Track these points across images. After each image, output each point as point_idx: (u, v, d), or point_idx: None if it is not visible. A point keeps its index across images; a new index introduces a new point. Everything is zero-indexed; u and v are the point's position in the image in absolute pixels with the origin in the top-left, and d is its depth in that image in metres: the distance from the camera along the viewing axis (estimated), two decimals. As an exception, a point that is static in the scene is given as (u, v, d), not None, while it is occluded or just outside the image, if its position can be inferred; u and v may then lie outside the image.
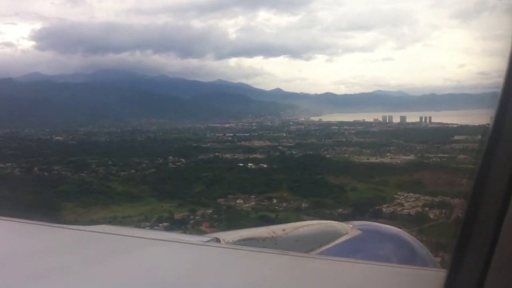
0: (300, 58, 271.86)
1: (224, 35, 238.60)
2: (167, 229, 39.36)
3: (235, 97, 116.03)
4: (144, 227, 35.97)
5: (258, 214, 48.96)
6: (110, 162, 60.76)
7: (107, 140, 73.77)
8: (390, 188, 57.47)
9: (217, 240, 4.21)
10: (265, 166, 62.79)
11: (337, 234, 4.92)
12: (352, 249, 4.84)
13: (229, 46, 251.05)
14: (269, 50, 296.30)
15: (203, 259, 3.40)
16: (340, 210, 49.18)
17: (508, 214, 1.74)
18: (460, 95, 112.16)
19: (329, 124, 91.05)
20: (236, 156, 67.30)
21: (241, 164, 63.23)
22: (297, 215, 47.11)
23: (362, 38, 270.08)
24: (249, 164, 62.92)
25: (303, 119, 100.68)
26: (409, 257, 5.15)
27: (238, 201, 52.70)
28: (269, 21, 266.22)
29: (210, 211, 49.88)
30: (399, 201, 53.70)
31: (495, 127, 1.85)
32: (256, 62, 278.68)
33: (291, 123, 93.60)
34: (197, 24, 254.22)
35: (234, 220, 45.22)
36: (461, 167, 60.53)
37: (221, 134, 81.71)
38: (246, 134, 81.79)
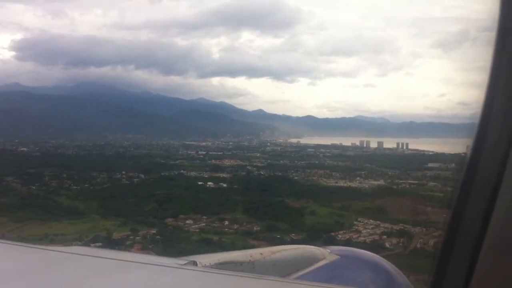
0: (283, 80, 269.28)
1: (207, 54, 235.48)
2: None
3: (215, 116, 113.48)
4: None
5: (200, 237, 45.31)
6: (65, 175, 57.19)
7: (73, 154, 70.39)
8: (351, 213, 54.30)
9: (194, 263, 3.78)
10: (225, 185, 59.28)
11: (314, 259, 4.66)
12: (330, 275, 4.60)
13: (212, 65, 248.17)
14: (252, 71, 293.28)
15: (180, 282, 3.21)
16: (292, 235, 45.68)
17: (487, 235, 1.74)
18: (439, 123, 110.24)
19: (305, 147, 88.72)
20: (201, 175, 63.85)
21: (200, 183, 59.65)
22: (244, 239, 43.89)
23: (344, 63, 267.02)
24: (209, 183, 59.42)
25: (281, 140, 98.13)
26: (387, 284, 4.91)
27: (187, 221, 48.82)
28: (252, 42, 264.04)
29: (153, 231, 46.07)
30: (357, 227, 50.35)
31: (474, 151, 1.86)
32: (240, 83, 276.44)
33: (268, 144, 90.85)
34: (180, 42, 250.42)
35: (174, 242, 41.61)
36: (428, 194, 58.48)
37: (194, 152, 78.68)
38: (219, 153, 78.71)
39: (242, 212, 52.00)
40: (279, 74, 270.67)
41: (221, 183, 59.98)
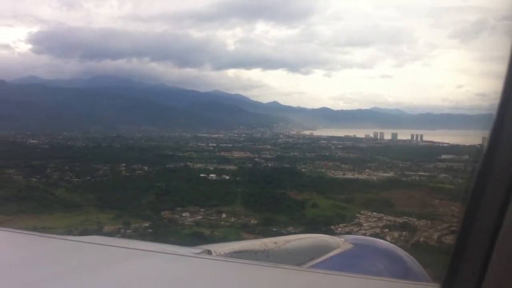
0: (298, 72, 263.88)
1: (222, 46, 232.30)
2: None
3: (230, 108, 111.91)
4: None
5: (192, 230, 43.49)
6: (67, 168, 55.92)
7: (82, 146, 69.22)
8: (355, 206, 52.24)
9: (209, 252, 3.78)
10: (227, 178, 57.42)
11: (328, 248, 4.63)
12: (344, 263, 4.50)
13: (227, 57, 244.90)
14: (267, 63, 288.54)
15: (194, 271, 3.19)
16: (290, 228, 43.51)
17: (502, 230, 1.72)
18: (457, 115, 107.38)
19: (318, 138, 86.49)
20: (207, 167, 62.06)
21: (203, 175, 57.86)
22: (238, 232, 41.96)
23: (360, 54, 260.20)
24: (211, 175, 57.60)
25: (294, 132, 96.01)
26: (401, 272, 4.75)
27: (184, 214, 46.95)
28: (267, 33, 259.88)
29: (146, 224, 44.32)
30: (359, 220, 48.19)
31: (491, 143, 1.83)
32: (255, 74, 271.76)
33: (281, 136, 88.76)
34: (195, 33, 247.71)
35: (163, 236, 39.74)
36: (438, 186, 56.74)
37: (204, 144, 77.09)
38: (229, 145, 77.09)
39: (241, 205, 50.13)
40: (294, 66, 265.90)
41: (224, 175, 58.15)
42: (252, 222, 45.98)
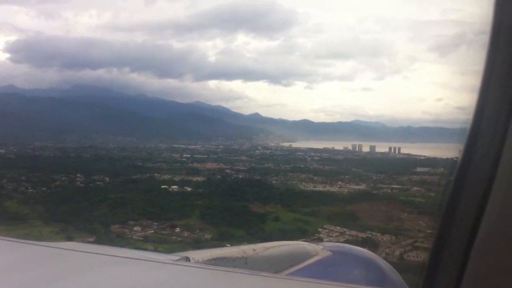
0: (280, 83, 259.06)
1: (203, 57, 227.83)
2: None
3: (211, 119, 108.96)
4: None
5: (134, 246, 40.25)
6: (23, 178, 52.70)
7: (50, 156, 66.00)
8: (318, 219, 49.66)
9: (187, 259, 3.72)
10: (189, 189, 54.33)
11: (307, 255, 4.56)
12: (322, 271, 4.45)
13: (208, 68, 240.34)
14: (248, 74, 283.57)
15: (172, 278, 3.13)
16: (245, 243, 40.50)
17: (477, 238, 1.74)
18: (436, 128, 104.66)
19: (296, 150, 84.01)
20: (174, 178, 59.06)
21: (164, 187, 54.75)
22: (185, 248, 38.92)
23: (341, 66, 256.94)
24: (173, 187, 54.54)
25: (273, 144, 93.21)
26: (379, 280, 4.74)
27: (135, 228, 43.70)
28: (248, 45, 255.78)
29: (90, 239, 41.10)
30: (319, 235, 45.42)
31: (465, 155, 1.87)
32: (236, 86, 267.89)
33: (259, 147, 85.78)
34: (176, 44, 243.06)
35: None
36: (409, 200, 55.21)
37: (178, 155, 74.16)
38: (203, 156, 73.76)
39: (198, 218, 46.95)
40: (276, 78, 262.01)
41: (187, 187, 55.05)
42: (206, 236, 42.80)
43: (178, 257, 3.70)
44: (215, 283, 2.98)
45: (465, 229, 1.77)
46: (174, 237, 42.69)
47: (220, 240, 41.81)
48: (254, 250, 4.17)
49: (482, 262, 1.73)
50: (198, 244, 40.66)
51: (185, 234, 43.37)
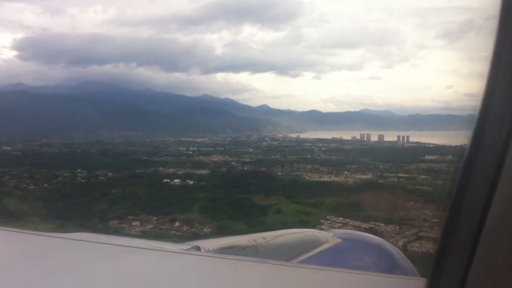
0: (287, 74, 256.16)
1: (210, 50, 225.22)
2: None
3: (219, 112, 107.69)
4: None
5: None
6: (26, 175, 52.03)
7: (56, 152, 65.37)
8: (321, 210, 48.55)
9: (198, 248, 3.75)
10: (191, 183, 53.30)
11: (317, 243, 4.58)
12: (333, 258, 4.46)
13: (215, 61, 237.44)
14: (255, 66, 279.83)
15: (183, 267, 3.13)
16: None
17: (487, 224, 1.72)
18: (446, 116, 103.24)
19: (304, 141, 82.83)
20: (178, 172, 58.14)
21: (166, 180, 53.77)
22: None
23: (348, 56, 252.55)
24: (175, 180, 53.54)
25: (280, 135, 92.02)
26: (390, 267, 4.68)
27: (134, 223, 42.63)
28: (254, 36, 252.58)
29: (89, 234, 40.40)
30: (322, 226, 43.76)
31: (474, 142, 1.84)
32: (244, 78, 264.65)
33: (266, 139, 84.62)
34: (182, 37, 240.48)
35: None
36: (416, 188, 53.87)
37: (184, 148, 73.31)
38: (210, 149, 72.75)
39: (198, 212, 45.97)
40: (283, 69, 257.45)
41: (189, 180, 54.04)
42: (205, 230, 41.73)
43: (188, 247, 3.67)
44: (226, 272, 2.98)
45: (474, 216, 1.71)
46: (173, 231, 41.55)
47: (219, 233, 40.81)
48: (264, 238, 4.17)
49: (491, 250, 1.69)
50: (197, 239, 39.69)
51: (184, 229, 42.22)
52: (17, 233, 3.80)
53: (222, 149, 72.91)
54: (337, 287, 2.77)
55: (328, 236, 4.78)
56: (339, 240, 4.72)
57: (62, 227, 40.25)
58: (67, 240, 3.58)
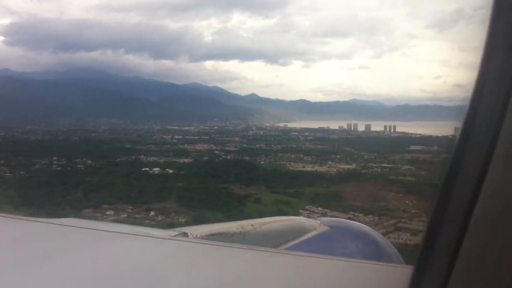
0: (277, 63, 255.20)
1: (199, 37, 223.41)
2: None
3: (207, 100, 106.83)
4: None
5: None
6: (2, 162, 50.76)
7: (38, 139, 64.09)
8: (301, 200, 47.82)
9: (185, 234, 3.70)
10: (170, 171, 52.19)
11: (305, 230, 4.53)
12: (320, 245, 4.42)
13: (204, 49, 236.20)
14: (245, 54, 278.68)
15: (171, 253, 3.10)
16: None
17: (474, 213, 1.68)
18: (434, 106, 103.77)
19: (290, 130, 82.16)
20: (159, 160, 57.07)
21: (144, 169, 52.64)
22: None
23: (338, 45, 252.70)
24: (154, 169, 52.43)
25: (268, 124, 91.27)
26: (376, 254, 4.67)
27: (108, 212, 41.52)
28: (244, 24, 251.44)
29: (58, 224, 39.22)
30: (301, 216, 43.18)
31: (463, 133, 1.78)
32: (233, 66, 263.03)
33: (253, 128, 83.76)
34: (171, 24, 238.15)
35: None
36: (398, 179, 53.06)
37: (169, 137, 72.22)
38: (195, 138, 71.91)
39: (175, 201, 44.91)
40: (272, 57, 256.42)
41: (168, 169, 52.92)
42: (180, 220, 40.62)
43: (176, 233, 3.66)
44: (214, 258, 2.95)
45: (462, 205, 1.68)
46: (147, 221, 40.44)
47: (195, 223, 39.80)
48: (252, 225, 4.16)
49: (479, 240, 1.65)
50: (171, 228, 38.74)
51: (159, 218, 41.10)
52: (5, 218, 3.68)
53: (207, 137, 71.93)
54: (323, 274, 2.75)
55: (315, 223, 4.73)
56: (326, 228, 4.69)
57: (34, 216, 39.11)
58: (55, 225, 3.49)
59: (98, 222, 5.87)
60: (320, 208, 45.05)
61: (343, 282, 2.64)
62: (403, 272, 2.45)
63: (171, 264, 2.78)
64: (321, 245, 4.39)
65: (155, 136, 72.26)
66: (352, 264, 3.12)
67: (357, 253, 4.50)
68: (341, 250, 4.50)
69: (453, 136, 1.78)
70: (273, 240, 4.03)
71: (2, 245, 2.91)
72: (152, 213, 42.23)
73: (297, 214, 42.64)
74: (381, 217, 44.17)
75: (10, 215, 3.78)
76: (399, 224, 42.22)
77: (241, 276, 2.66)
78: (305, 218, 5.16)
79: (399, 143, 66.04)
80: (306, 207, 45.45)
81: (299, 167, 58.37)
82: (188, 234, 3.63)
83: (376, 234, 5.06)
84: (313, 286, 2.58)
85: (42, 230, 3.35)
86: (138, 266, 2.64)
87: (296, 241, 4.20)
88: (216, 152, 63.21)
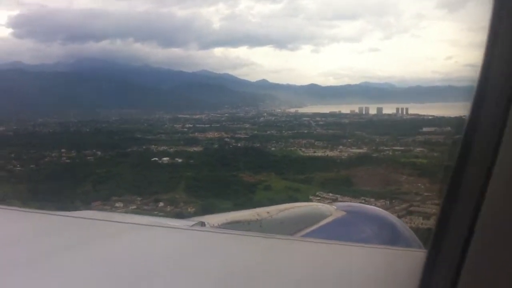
0: (286, 48, 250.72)
1: (207, 24, 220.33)
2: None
3: (217, 87, 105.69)
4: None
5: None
6: (13, 156, 50.47)
7: (49, 132, 63.83)
8: (312, 186, 47.15)
9: (202, 224, 3.73)
10: (180, 161, 51.53)
11: (321, 216, 4.59)
12: (337, 231, 4.46)
13: (213, 36, 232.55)
14: (254, 40, 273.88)
15: (189, 243, 3.12)
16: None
17: (488, 194, 1.66)
18: (446, 87, 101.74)
19: (301, 116, 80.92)
20: (169, 149, 56.51)
21: (154, 159, 52.06)
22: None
23: (347, 28, 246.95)
24: (164, 159, 51.84)
25: (279, 110, 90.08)
26: (393, 238, 4.70)
27: (117, 204, 41.04)
28: (251, 9, 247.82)
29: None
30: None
31: (472, 117, 1.79)
32: (242, 52, 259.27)
33: (264, 114, 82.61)
34: (179, 11, 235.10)
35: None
36: (411, 161, 52.00)
37: (180, 125, 71.65)
38: (206, 125, 71.19)
39: (184, 191, 44.39)
40: (281, 42, 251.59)
41: (177, 159, 52.27)
42: (189, 210, 40.13)
43: (193, 222, 3.62)
44: (231, 247, 2.95)
45: (475, 187, 1.64)
46: (156, 212, 40.00)
47: (204, 213, 39.23)
48: (268, 213, 4.21)
49: (492, 221, 1.63)
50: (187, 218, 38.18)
51: (168, 209, 40.60)
52: (24, 213, 3.69)
53: (218, 125, 71.01)
54: (341, 260, 2.73)
55: (331, 209, 4.74)
56: (343, 213, 4.68)
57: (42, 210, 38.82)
58: (72, 218, 3.50)
59: (113, 214, 5.97)
60: (331, 194, 44.24)
61: (360, 267, 2.60)
62: (419, 255, 2.39)
63: (190, 254, 2.77)
64: (338, 230, 4.40)
65: (165, 125, 71.53)
66: (369, 250, 3.11)
67: (375, 238, 4.46)
68: (359, 235, 4.47)
69: (466, 116, 1.72)
70: (290, 227, 4.05)
71: (19, 239, 2.89)
72: (161, 203, 41.77)
73: (307, 200, 42.14)
74: (393, 201, 43.25)
75: (27, 209, 3.76)
76: (411, 208, 41.40)
77: (259, 264, 2.65)
78: (321, 204, 5.12)
79: (412, 125, 64.52)
80: (317, 193, 44.73)
81: (309, 152, 57.55)
82: (205, 223, 3.64)
83: (393, 218, 5.08)
84: (332, 273, 2.54)
85: (59, 223, 3.36)
86: (157, 257, 2.65)
87: (313, 227, 4.21)
88: (227, 139, 62.40)
